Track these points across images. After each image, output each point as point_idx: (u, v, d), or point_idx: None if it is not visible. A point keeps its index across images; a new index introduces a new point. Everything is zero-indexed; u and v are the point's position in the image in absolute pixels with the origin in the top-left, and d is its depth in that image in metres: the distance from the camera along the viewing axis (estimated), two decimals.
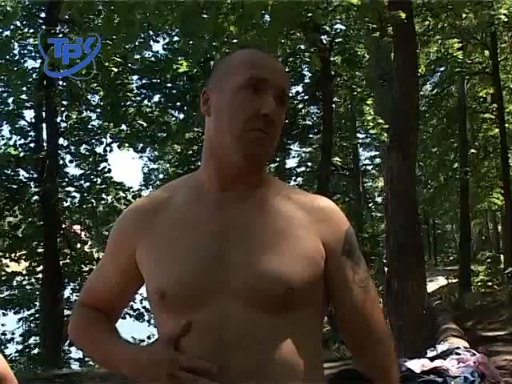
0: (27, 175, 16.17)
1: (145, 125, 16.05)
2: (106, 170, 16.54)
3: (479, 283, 19.40)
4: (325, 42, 14.79)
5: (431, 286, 19.81)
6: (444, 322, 10.09)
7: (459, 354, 5.62)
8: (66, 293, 16.57)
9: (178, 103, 17.97)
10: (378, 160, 24.18)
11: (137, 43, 14.49)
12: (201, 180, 1.67)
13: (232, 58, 1.69)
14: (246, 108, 1.57)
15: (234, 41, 9.07)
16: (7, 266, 16.23)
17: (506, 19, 15.05)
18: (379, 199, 26.86)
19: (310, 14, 9.05)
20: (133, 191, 17.29)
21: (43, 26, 15.72)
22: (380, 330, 1.69)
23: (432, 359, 5.42)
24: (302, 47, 15.18)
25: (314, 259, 1.58)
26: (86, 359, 16.03)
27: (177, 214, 1.63)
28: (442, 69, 19.40)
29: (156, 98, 17.79)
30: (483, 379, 5.13)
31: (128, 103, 16.41)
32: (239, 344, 1.51)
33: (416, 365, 5.01)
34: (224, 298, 1.52)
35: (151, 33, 15.05)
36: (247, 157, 1.58)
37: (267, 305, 1.52)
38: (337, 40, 15.33)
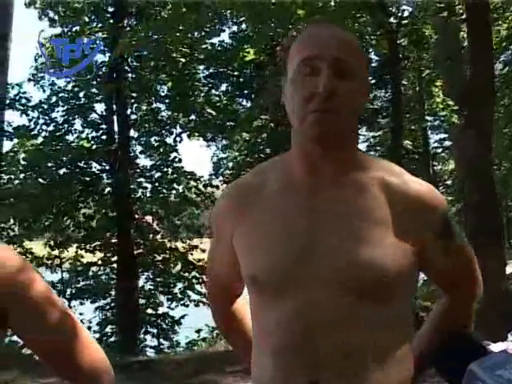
0: (100, 167, 16.45)
1: (214, 114, 16.09)
2: (176, 160, 16.68)
3: None
4: (392, 23, 14.59)
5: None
6: None
7: None
8: (140, 282, 16.86)
9: (246, 91, 18.05)
10: (447, 143, 23.78)
11: (203, 33, 14.64)
12: (291, 164, 1.66)
13: (299, 37, 1.66)
14: (303, 92, 1.56)
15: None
16: (82, 257, 16.55)
17: None
18: (449, 182, 26.43)
19: None
20: (204, 180, 17.38)
21: (111, 20, 15.98)
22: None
23: None
24: (369, 30, 15.00)
25: (405, 250, 1.57)
26: (161, 346, 16.32)
27: (269, 202, 1.64)
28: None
29: (223, 87, 17.90)
30: None
31: (196, 93, 16.49)
32: (329, 330, 1.52)
33: (501, 348, 4.91)
34: (315, 285, 1.53)
35: (216, 21, 15.17)
36: (314, 139, 1.57)
37: (359, 293, 1.52)
38: (404, 22, 15.15)
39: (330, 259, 1.54)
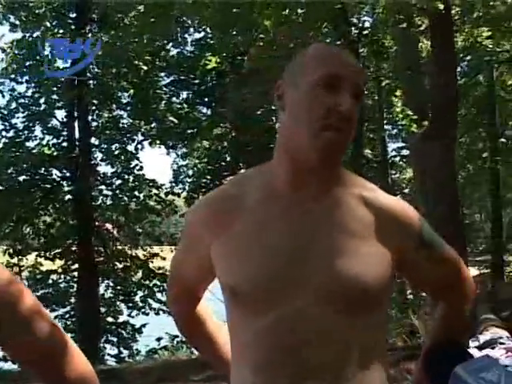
0: (60, 174, 16.33)
1: (175, 121, 16.09)
2: (137, 167, 16.64)
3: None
4: (353, 34, 14.77)
5: None
6: (482, 312, 10.03)
7: (504, 344, 5.61)
8: (101, 290, 16.75)
9: (206, 99, 18.06)
10: (405, 151, 24.07)
11: (165, 41, 14.62)
12: (273, 175, 1.67)
13: (308, 53, 1.68)
14: (320, 106, 1.57)
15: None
16: (41, 265, 16.40)
17: None
18: (407, 190, 26.73)
19: (339, 6, 9.04)
20: (165, 188, 17.38)
21: (73, 26, 15.89)
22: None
23: (480, 348, 5.41)
24: (332, 40, 15.16)
25: (385, 262, 1.61)
26: (122, 355, 16.23)
27: (250, 213, 1.64)
28: (468, 58, 19.26)
29: (184, 95, 17.90)
30: None
31: (157, 100, 16.47)
32: (312, 342, 1.54)
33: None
34: (297, 297, 1.55)
35: (179, 29, 15.17)
36: (322, 156, 1.59)
37: (343, 305, 1.55)
38: (364, 32, 15.34)
39: (313, 271, 1.56)
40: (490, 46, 16.21)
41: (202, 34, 16.23)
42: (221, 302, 1.79)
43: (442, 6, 7.45)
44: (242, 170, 18.56)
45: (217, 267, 1.68)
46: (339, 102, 1.56)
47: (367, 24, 15.77)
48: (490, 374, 1.24)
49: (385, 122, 21.52)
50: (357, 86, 1.61)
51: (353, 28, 14.87)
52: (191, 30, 16.31)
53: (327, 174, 1.64)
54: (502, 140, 20.38)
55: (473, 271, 24.31)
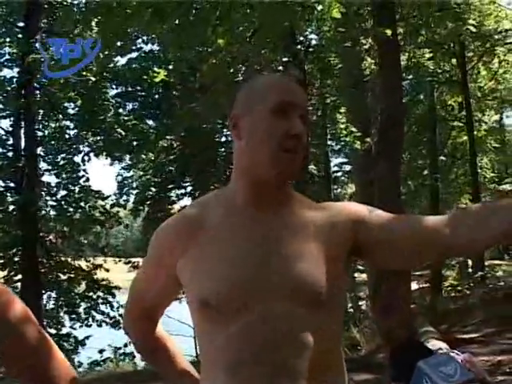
0: (4, 184, 16.13)
1: (122, 133, 16.06)
2: (83, 178, 16.57)
3: (449, 287, 19.68)
4: (300, 51, 15.02)
5: None
6: (422, 325, 10.29)
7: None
8: (44, 301, 16.56)
9: (152, 111, 18.08)
10: (347, 167, 24.47)
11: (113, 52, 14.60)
12: (232, 196, 1.83)
13: (260, 83, 1.86)
14: (278, 130, 1.74)
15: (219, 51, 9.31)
16: None
17: (474, 29, 15.51)
18: None
19: (287, 24, 9.18)
20: (111, 199, 17.35)
21: (20, 35, 15.77)
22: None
23: None
24: (281, 58, 15.38)
25: (335, 261, 1.78)
26: None
27: (215, 230, 1.79)
28: (409, 77, 19.72)
29: (131, 107, 17.88)
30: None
31: (104, 112, 16.42)
32: (283, 340, 1.69)
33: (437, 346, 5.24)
34: (265, 301, 1.70)
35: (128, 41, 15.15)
36: (280, 174, 1.76)
37: (305, 303, 1.71)
38: (310, 49, 15.63)
39: (276, 276, 1.72)
40: (432, 67, 16.73)
41: (150, 46, 16.29)
42: None
43: (389, 32, 7.67)
44: (187, 183, 18.65)
45: (185, 283, 1.81)
46: (292, 126, 1.75)
47: (314, 42, 16.10)
48: (448, 368, 1.41)
49: (328, 137, 21.88)
50: (304, 110, 1.81)
51: (299, 46, 15.16)
52: (139, 41, 16.32)
53: (282, 192, 1.82)
54: (442, 158, 20.90)
55: (413, 285, 24.71)
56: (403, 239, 1.81)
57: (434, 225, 1.79)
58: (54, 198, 16.71)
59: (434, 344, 8.20)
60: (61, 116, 16.60)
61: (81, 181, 16.67)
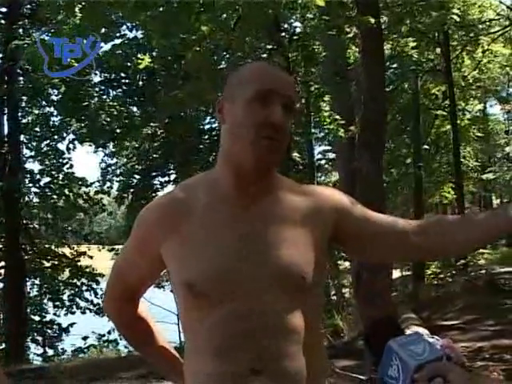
0: None
1: (108, 120, 15.98)
2: (67, 165, 16.53)
3: (432, 275, 19.78)
4: (284, 38, 14.99)
5: None
6: (403, 312, 10.39)
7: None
8: (27, 288, 16.55)
9: (136, 98, 17.98)
10: (331, 155, 24.48)
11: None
12: (218, 180, 1.86)
13: (242, 71, 1.89)
14: (255, 118, 1.76)
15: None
16: None
17: (458, 19, 15.58)
18: None
19: (271, 11, 9.16)
20: (95, 186, 17.30)
21: (3, 21, 15.66)
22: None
23: None
24: (265, 45, 15.36)
25: (318, 247, 1.83)
26: (48, 354, 16.07)
27: (200, 215, 1.82)
28: (394, 65, 19.75)
29: (115, 93, 17.77)
30: (450, 361, 5.45)
31: (88, 98, 16.32)
32: (269, 325, 1.73)
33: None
34: (250, 287, 1.74)
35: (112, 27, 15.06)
36: (259, 162, 1.78)
37: (290, 290, 1.75)
38: (295, 37, 15.61)
39: (261, 262, 1.76)
40: (416, 56, 16.76)
41: (134, 32, 16.19)
42: None
43: (373, 20, 7.67)
44: (171, 171, 18.59)
45: (170, 266, 1.84)
46: (271, 114, 1.77)
47: (298, 30, 16.08)
48: (417, 346, 1.46)
49: (312, 125, 21.88)
50: (288, 98, 1.82)
51: (284, 33, 15.14)
52: (123, 28, 16.21)
53: (265, 176, 1.85)
54: (425, 147, 20.96)
55: (395, 273, 24.88)
56: (382, 234, 1.91)
57: (410, 227, 1.91)
58: (37, 185, 16.66)
59: (415, 330, 8.31)
60: (44, 102, 16.50)
61: (64, 168, 16.62)
